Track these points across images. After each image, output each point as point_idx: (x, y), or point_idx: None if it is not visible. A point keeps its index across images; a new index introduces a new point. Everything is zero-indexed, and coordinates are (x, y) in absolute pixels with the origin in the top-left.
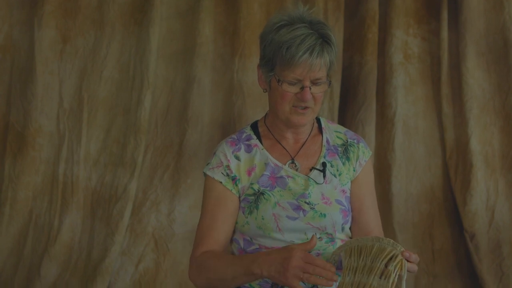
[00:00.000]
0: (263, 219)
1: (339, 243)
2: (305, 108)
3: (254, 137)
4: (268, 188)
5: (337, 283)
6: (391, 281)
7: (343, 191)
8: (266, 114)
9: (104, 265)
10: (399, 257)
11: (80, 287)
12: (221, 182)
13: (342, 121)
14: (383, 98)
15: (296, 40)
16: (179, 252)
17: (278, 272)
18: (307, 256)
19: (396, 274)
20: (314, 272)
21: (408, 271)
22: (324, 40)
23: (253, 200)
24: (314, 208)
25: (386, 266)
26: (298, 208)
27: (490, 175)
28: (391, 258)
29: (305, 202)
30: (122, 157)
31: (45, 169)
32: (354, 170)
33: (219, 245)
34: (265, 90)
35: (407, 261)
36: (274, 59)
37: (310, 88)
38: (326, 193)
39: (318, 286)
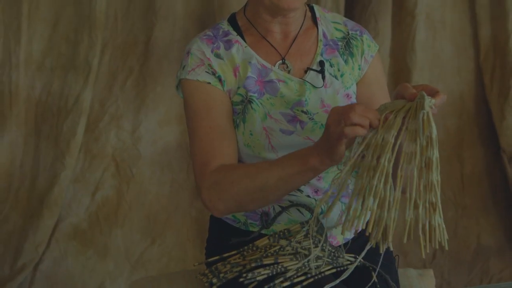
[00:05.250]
0: (251, 134)
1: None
2: None
3: (234, 32)
4: (256, 95)
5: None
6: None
7: (347, 95)
8: (246, 4)
9: (53, 195)
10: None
11: (23, 223)
12: (209, 83)
13: (350, 14)
14: None
15: None
16: (147, 178)
17: (324, 146)
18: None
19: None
20: (350, 119)
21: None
22: None
23: (240, 110)
24: (313, 119)
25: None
26: (294, 119)
27: None
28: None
29: (302, 112)
30: (73, 59)
31: None
32: (359, 69)
33: (232, 157)
34: None
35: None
36: None
37: None
38: (326, 99)
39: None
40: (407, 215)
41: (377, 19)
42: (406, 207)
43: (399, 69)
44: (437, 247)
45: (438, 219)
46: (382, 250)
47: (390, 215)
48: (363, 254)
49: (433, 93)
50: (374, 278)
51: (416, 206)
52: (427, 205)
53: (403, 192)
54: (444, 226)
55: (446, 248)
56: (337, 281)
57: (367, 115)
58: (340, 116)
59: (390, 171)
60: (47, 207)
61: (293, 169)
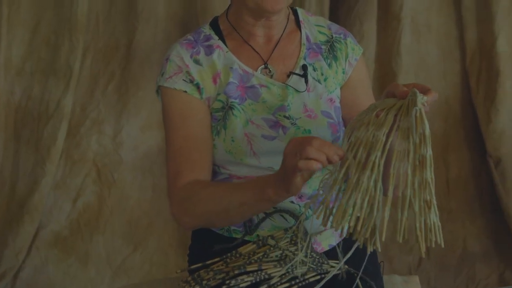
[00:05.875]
0: (233, 141)
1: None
2: None
3: (216, 37)
4: (237, 101)
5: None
6: (413, 114)
7: (331, 100)
8: (229, 7)
9: (33, 201)
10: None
11: (3, 229)
12: (185, 92)
13: (335, 17)
14: None
15: None
16: (128, 184)
17: (281, 177)
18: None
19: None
20: (306, 153)
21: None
22: None
23: (221, 117)
24: (295, 124)
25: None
26: (276, 124)
27: None
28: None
29: (284, 117)
30: (54, 63)
31: None
32: (343, 72)
33: (205, 169)
34: None
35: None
36: None
37: None
38: (309, 104)
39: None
40: (400, 214)
41: (362, 21)
42: (397, 206)
43: (384, 73)
44: (433, 245)
45: (434, 218)
46: (369, 250)
47: (379, 215)
48: (348, 256)
49: (424, 91)
50: (359, 283)
51: (410, 205)
52: (422, 203)
53: (395, 192)
54: (439, 224)
55: (442, 246)
56: (320, 284)
57: (324, 150)
58: (296, 148)
59: (381, 169)
60: (27, 213)
61: (252, 197)
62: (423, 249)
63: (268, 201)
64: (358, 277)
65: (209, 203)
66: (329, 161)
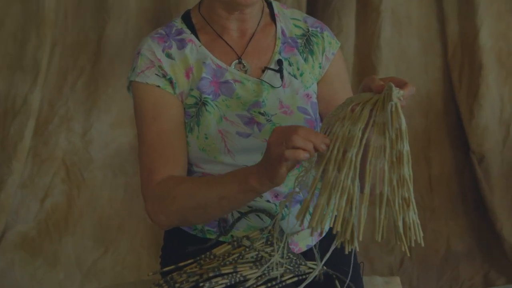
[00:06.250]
0: (206, 138)
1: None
2: None
3: (188, 31)
4: (211, 97)
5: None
6: (389, 109)
7: (307, 95)
8: (201, 0)
9: None
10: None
11: None
12: (158, 86)
13: (312, 10)
14: None
15: None
16: (98, 183)
17: (264, 167)
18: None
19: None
20: (292, 142)
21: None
22: None
23: (194, 113)
24: (271, 120)
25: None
26: (251, 121)
27: (505, 79)
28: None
29: (259, 113)
30: (21, 58)
31: None
32: (320, 67)
33: (180, 166)
34: None
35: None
36: None
37: None
38: (285, 100)
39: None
40: (378, 212)
41: (341, 15)
42: (375, 204)
43: (364, 67)
44: (413, 244)
45: (413, 215)
46: (347, 250)
47: (357, 213)
48: (326, 257)
49: (401, 85)
50: (337, 285)
51: (388, 203)
52: (400, 201)
53: (372, 189)
54: (418, 222)
55: (422, 245)
56: None
57: (311, 138)
58: (282, 137)
59: (358, 166)
60: None
61: (233, 189)
62: (404, 247)
63: (251, 192)
64: (348, 280)
65: (186, 199)
66: (316, 150)
